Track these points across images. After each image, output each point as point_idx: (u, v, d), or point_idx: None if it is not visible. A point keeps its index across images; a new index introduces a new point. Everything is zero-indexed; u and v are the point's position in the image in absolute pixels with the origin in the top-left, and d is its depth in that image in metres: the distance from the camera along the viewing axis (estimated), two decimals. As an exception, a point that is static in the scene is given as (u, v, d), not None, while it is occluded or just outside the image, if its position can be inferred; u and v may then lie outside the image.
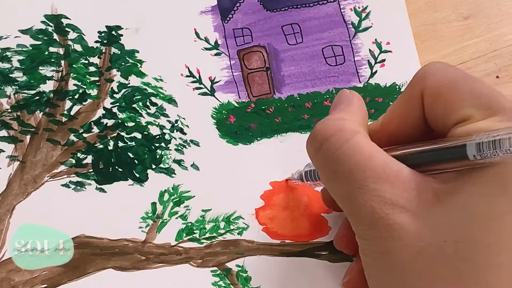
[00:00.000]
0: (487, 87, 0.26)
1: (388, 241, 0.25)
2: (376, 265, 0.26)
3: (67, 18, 0.43)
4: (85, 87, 0.42)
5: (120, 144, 0.41)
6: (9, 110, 0.41)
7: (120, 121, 0.42)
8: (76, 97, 0.42)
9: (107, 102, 0.42)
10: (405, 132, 0.29)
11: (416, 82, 0.28)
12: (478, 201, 0.23)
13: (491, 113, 0.24)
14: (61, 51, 0.43)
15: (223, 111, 0.42)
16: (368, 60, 0.43)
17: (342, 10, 0.44)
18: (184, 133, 0.42)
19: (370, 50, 0.43)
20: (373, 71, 0.43)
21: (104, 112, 0.42)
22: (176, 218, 0.40)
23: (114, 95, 0.42)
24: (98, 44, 0.43)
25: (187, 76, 0.43)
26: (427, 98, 0.27)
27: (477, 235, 0.23)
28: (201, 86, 0.42)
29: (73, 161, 0.41)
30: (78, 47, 0.43)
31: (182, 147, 0.41)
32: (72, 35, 0.43)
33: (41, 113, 0.42)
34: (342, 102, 0.30)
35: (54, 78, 0.42)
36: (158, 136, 0.41)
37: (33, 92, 0.42)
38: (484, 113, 0.24)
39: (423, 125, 0.28)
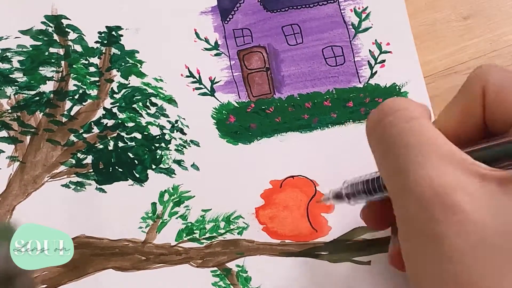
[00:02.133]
0: None
1: (444, 225, 0.23)
2: (425, 251, 0.24)
3: (67, 18, 0.43)
4: (85, 87, 0.42)
5: (120, 144, 0.41)
6: (9, 111, 0.41)
7: (120, 121, 0.42)
8: (76, 97, 0.42)
9: (107, 103, 0.42)
10: (465, 134, 0.28)
11: (476, 81, 0.27)
12: None
13: None
14: (61, 51, 0.43)
15: (223, 111, 0.42)
16: (368, 61, 0.43)
17: (342, 11, 0.44)
18: (184, 133, 0.42)
19: (370, 50, 0.43)
20: (373, 72, 0.43)
21: (104, 112, 0.42)
22: (176, 218, 0.40)
23: (114, 95, 0.42)
24: (98, 45, 0.43)
25: (187, 76, 0.43)
26: (490, 94, 0.26)
27: None
28: (201, 86, 0.42)
29: (73, 161, 0.41)
30: (78, 48, 0.43)
31: (182, 147, 0.41)
32: (72, 35, 0.43)
33: (41, 113, 0.42)
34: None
35: (54, 78, 0.42)
36: (158, 136, 0.41)
37: (33, 92, 0.42)
38: None
39: (483, 125, 0.27)
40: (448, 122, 0.29)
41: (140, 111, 0.42)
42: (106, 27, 0.43)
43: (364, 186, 0.31)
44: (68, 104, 0.42)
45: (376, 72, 0.43)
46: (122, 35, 0.43)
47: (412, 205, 0.24)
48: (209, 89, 0.42)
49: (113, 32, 0.43)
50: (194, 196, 0.40)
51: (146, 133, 0.42)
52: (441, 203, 0.23)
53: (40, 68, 0.42)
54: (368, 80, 0.43)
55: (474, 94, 0.27)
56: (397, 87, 0.42)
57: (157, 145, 0.41)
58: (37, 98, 0.42)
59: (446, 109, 0.29)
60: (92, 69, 0.42)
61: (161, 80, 0.42)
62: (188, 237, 0.40)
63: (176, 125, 0.42)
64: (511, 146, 0.24)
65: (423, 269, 0.25)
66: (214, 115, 0.42)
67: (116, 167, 0.41)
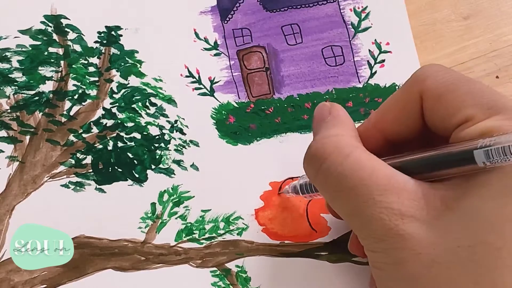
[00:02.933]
0: (487, 87, 0.25)
1: (400, 252, 0.24)
2: (390, 277, 0.26)
3: (67, 18, 0.43)
4: (84, 87, 0.42)
5: (120, 144, 0.41)
6: (9, 111, 0.41)
7: (119, 121, 0.42)
8: (75, 97, 0.42)
9: (107, 103, 0.42)
10: (401, 132, 0.29)
11: (414, 84, 0.27)
12: (487, 204, 0.23)
13: (493, 112, 0.24)
14: (60, 51, 0.42)
15: (223, 112, 0.42)
16: (368, 61, 0.43)
17: (341, 11, 0.44)
18: (184, 134, 0.41)
19: (369, 50, 0.43)
20: (373, 72, 0.43)
21: (103, 112, 0.42)
22: (176, 218, 0.40)
23: (114, 95, 0.42)
24: (97, 45, 0.43)
25: (186, 76, 0.43)
26: (427, 101, 0.27)
27: (489, 238, 0.23)
28: (201, 86, 0.42)
29: (73, 162, 0.41)
30: (77, 48, 0.43)
31: (181, 147, 0.41)
32: (71, 35, 0.43)
33: (41, 113, 0.42)
34: (325, 116, 0.30)
35: (53, 78, 0.42)
36: (157, 137, 0.41)
37: (32, 92, 0.42)
38: (486, 112, 0.24)
39: (420, 126, 0.28)
40: (385, 120, 0.29)
41: (139, 111, 0.42)
42: (106, 27, 0.43)
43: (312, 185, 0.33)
44: (67, 104, 0.42)
45: (375, 72, 0.43)
46: (121, 35, 0.43)
47: (371, 239, 0.26)
48: (209, 89, 0.42)
49: (113, 32, 0.43)
50: (193, 196, 0.40)
51: (146, 133, 0.41)
52: (395, 235, 0.24)
53: (40, 68, 0.42)
54: (368, 80, 0.43)
55: (412, 99, 0.27)
56: (397, 87, 0.42)
57: (156, 145, 0.41)
58: (37, 98, 0.42)
59: (383, 108, 0.30)
60: (91, 69, 0.42)
61: (161, 80, 0.42)
62: (188, 238, 0.40)
63: (175, 125, 0.42)
64: (449, 157, 0.24)
65: None
66: (213, 115, 0.42)
67: (116, 167, 0.41)
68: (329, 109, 0.30)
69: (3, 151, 0.41)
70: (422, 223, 0.24)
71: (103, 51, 0.43)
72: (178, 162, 0.41)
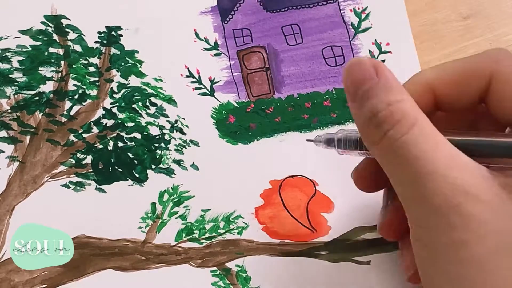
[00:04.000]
0: None
1: (462, 232, 0.23)
2: (443, 257, 0.24)
3: (67, 18, 0.43)
4: (84, 87, 0.42)
5: (120, 144, 0.41)
6: (9, 111, 0.41)
7: (119, 121, 0.42)
8: (75, 97, 0.42)
9: (107, 103, 0.42)
10: (452, 99, 0.28)
11: (487, 61, 0.27)
12: None
13: None
14: (60, 51, 0.43)
15: (223, 111, 0.42)
16: (368, 61, 0.43)
17: (341, 11, 0.44)
18: (184, 133, 0.41)
19: (370, 50, 0.43)
20: (373, 72, 0.43)
21: (103, 112, 0.42)
22: (176, 218, 0.40)
23: (114, 95, 0.42)
24: (97, 45, 0.43)
25: (186, 76, 0.43)
26: (497, 83, 0.26)
27: None
28: (201, 86, 0.42)
29: (73, 161, 0.41)
30: (77, 48, 0.43)
31: (181, 147, 0.41)
32: (72, 35, 0.43)
33: (41, 113, 0.42)
34: (371, 76, 0.26)
35: (53, 78, 0.42)
36: (157, 136, 0.41)
37: (33, 92, 0.42)
38: None
39: (475, 102, 0.27)
40: (446, 78, 0.28)
41: (139, 111, 0.42)
42: (106, 27, 0.43)
43: (358, 141, 0.31)
44: (67, 104, 0.42)
45: (376, 72, 0.43)
46: (121, 35, 0.43)
47: (428, 215, 0.25)
48: (209, 89, 0.42)
49: (113, 32, 0.43)
50: (193, 196, 0.40)
51: (146, 133, 0.42)
52: (458, 213, 0.23)
53: (40, 68, 0.42)
54: (368, 80, 0.42)
55: (481, 74, 0.27)
56: (397, 87, 0.42)
57: (156, 145, 0.41)
58: (37, 98, 0.42)
59: (449, 67, 0.29)
60: (91, 69, 0.42)
61: (161, 80, 0.42)
62: (188, 237, 0.40)
63: (175, 125, 0.42)
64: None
65: (441, 273, 0.25)
66: (213, 115, 0.42)
67: (116, 167, 0.41)
68: (373, 69, 0.27)
69: (3, 151, 0.41)
70: (486, 205, 0.23)
71: (103, 51, 0.43)
72: (178, 162, 0.41)
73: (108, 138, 0.41)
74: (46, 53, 0.42)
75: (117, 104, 0.42)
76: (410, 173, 0.25)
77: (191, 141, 0.41)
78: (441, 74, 0.28)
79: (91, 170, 0.41)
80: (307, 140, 0.35)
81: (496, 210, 0.23)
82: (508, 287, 0.23)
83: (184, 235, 0.40)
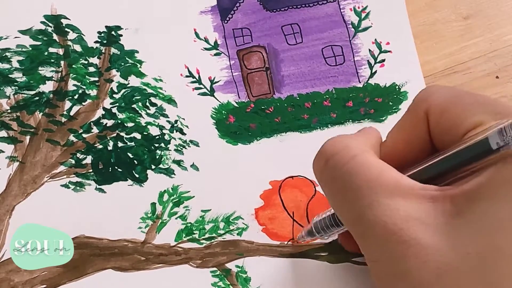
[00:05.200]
0: (490, 97, 0.25)
1: (404, 261, 0.23)
2: None
3: (67, 18, 0.43)
4: (84, 87, 0.42)
5: (120, 144, 0.41)
6: (9, 111, 0.41)
7: (119, 121, 0.42)
8: (75, 97, 0.42)
9: (107, 103, 0.42)
10: (411, 155, 0.28)
11: (419, 103, 0.27)
12: (498, 207, 0.22)
13: (502, 117, 0.23)
14: (60, 51, 0.43)
15: (223, 111, 0.42)
16: (368, 60, 0.43)
17: (342, 10, 0.44)
18: (184, 134, 0.41)
19: (369, 50, 0.43)
20: (373, 71, 0.43)
21: (103, 112, 0.42)
22: (176, 218, 0.40)
23: (114, 95, 0.42)
24: (97, 45, 0.43)
25: (186, 76, 0.43)
26: (432, 116, 0.26)
27: (501, 243, 0.21)
28: (201, 86, 0.42)
29: (73, 162, 0.41)
30: (77, 48, 0.43)
31: (181, 147, 0.41)
32: (71, 35, 0.43)
33: (41, 113, 0.42)
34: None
35: (53, 78, 0.42)
36: (157, 137, 0.41)
37: (32, 92, 0.42)
38: (495, 117, 0.23)
39: (429, 147, 0.27)
40: (396, 143, 0.29)
41: (139, 111, 0.42)
42: (106, 27, 0.43)
43: (331, 220, 0.32)
44: (67, 104, 0.42)
45: (376, 71, 0.43)
46: (121, 35, 0.43)
47: (374, 247, 0.25)
48: (209, 89, 0.42)
49: (113, 32, 0.43)
50: (193, 196, 0.40)
51: (146, 133, 0.41)
52: (397, 241, 0.23)
53: (40, 68, 0.42)
54: (368, 80, 0.42)
55: (418, 117, 0.27)
56: (397, 87, 0.42)
57: (156, 145, 0.41)
58: (37, 98, 0.42)
59: (394, 131, 0.29)
60: (91, 69, 0.42)
61: (161, 80, 0.42)
62: (188, 238, 0.40)
63: (175, 125, 0.42)
64: (462, 153, 0.24)
65: None
66: (213, 115, 0.42)
67: (116, 167, 0.41)
68: (364, 128, 0.30)
69: (3, 151, 0.41)
70: (428, 228, 0.23)
71: (103, 51, 0.43)
72: (178, 162, 0.41)
73: (108, 138, 0.41)
74: (46, 53, 0.42)
75: (117, 104, 0.42)
76: (352, 207, 0.25)
77: (191, 141, 0.41)
78: (389, 147, 0.29)
79: (91, 170, 0.41)
80: (298, 239, 0.38)
81: (439, 231, 0.22)
82: None
83: (184, 235, 0.40)
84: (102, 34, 0.43)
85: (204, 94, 0.42)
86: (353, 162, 0.25)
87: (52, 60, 0.42)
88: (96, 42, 0.43)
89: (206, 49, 0.43)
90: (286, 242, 0.39)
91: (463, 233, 0.22)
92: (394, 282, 0.24)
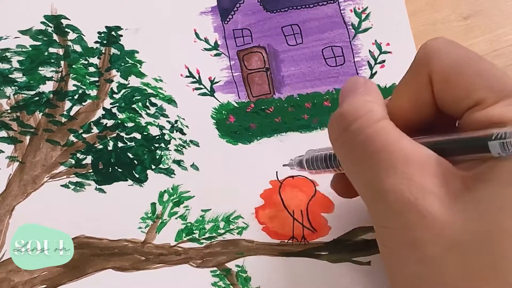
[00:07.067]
0: (494, 66, 0.25)
1: (417, 230, 0.23)
2: (401, 256, 0.24)
3: (67, 18, 0.43)
4: (84, 87, 0.42)
5: (120, 144, 0.41)
6: (9, 111, 0.41)
7: (119, 121, 0.42)
8: (75, 97, 0.42)
9: (107, 103, 0.42)
10: (417, 116, 0.28)
11: (421, 66, 0.27)
12: (505, 189, 0.22)
13: (504, 95, 0.23)
14: (60, 51, 0.43)
15: (223, 111, 0.42)
16: (368, 61, 0.43)
17: (342, 11, 0.44)
18: (184, 134, 0.41)
19: (370, 51, 0.43)
20: (373, 72, 0.43)
21: (103, 112, 0.42)
22: (176, 218, 0.40)
23: (114, 95, 0.42)
24: (97, 45, 0.43)
25: (186, 76, 0.43)
26: (436, 84, 0.26)
27: (506, 223, 0.21)
28: (201, 86, 0.42)
29: (73, 162, 0.41)
30: (77, 48, 0.43)
31: (181, 147, 0.41)
32: (71, 35, 0.43)
33: (41, 113, 0.42)
34: (358, 87, 0.28)
35: (53, 78, 0.42)
36: (157, 137, 0.41)
37: (32, 92, 0.42)
38: (497, 95, 0.23)
39: (435, 108, 0.27)
40: (400, 104, 0.28)
41: (139, 111, 0.42)
42: (106, 27, 0.43)
43: (323, 160, 0.32)
44: (67, 104, 0.42)
45: (376, 72, 0.43)
46: (121, 35, 0.43)
47: (386, 213, 0.25)
48: (209, 89, 0.42)
49: (113, 32, 0.43)
50: (193, 196, 0.40)
51: (146, 133, 0.41)
52: (412, 210, 0.23)
53: (40, 68, 0.42)
54: (368, 80, 0.42)
55: (423, 82, 0.27)
56: (397, 87, 0.42)
57: (156, 145, 0.41)
58: (37, 98, 0.42)
59: (397, 92, 0.29)
60: (91, 69, 0.42)
61: (161, 80, 0.42)
62: (188, 237, 0.40)
63: (175, 125, 0.42)
64: (466, 143, 0.24)
65: (400, 272, 0.25)
66: (213, 115, 0.42)
67: (116, 167, 0.41)
68: (363, 83, 0.29)
69: (3, 151, 0.41)
70: (442, 202, 0.23)
71: (103, 51, 0.43)
72: (178, 162, 0.41)
73: (108, 138, 0.41)
74: (46, 53, 0.42)
75: (117, 104, 0.42)
76: (369, 171, 0.25)
77: (191, 141, 0.41)
78: (393, 107, 0.28)
79: (91, 170, 0.41)
80: (283, 166, 0.38)
81: (451, 206, 0.23)
82: (460, 283, 0.22)
83: (184, 235, 0.40)
84: (102, 34, 0.43)
85: (204, 94, 0.42)
86: (376, 126, 0.25)
87: (52, 60, 0.42)
88: (96, 42, 0.43)
89: (206, 49, 0.43)
90: (286, 241, 0.39)
91: (472, 211, 0.22)
92: (402, 250, 0.24)
